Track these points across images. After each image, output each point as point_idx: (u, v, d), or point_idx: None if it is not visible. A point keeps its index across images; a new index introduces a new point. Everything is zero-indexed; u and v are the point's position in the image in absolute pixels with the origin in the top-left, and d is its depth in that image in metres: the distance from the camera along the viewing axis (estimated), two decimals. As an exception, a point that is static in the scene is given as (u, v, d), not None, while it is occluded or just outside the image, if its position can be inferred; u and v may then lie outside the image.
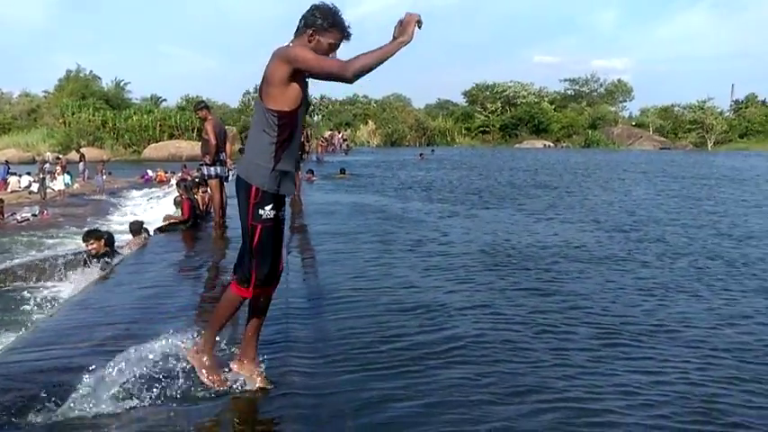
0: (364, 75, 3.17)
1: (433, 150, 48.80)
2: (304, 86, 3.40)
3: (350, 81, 3.22)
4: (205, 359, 3.73)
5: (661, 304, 5.91)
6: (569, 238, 9.69)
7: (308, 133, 40.50)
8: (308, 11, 3.41)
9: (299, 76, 3.34)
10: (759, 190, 18.65)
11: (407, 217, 12.05)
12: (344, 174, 22.09)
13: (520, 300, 5.97)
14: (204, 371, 3.72)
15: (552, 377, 4.08)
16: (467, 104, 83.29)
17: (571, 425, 3.43)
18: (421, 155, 38.59)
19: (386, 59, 3.14)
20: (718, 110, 73.53)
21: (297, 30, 3.44)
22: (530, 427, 3.41)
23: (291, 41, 3.43)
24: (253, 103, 69.16)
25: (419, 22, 3.13)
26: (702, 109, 71.60)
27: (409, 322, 5.18)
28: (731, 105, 78.26)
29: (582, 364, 4.31)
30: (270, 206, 3.45)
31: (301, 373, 4.07)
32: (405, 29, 3.11)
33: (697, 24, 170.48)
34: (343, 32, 3.44)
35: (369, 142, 68.42)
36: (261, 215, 3.44)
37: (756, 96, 78.00)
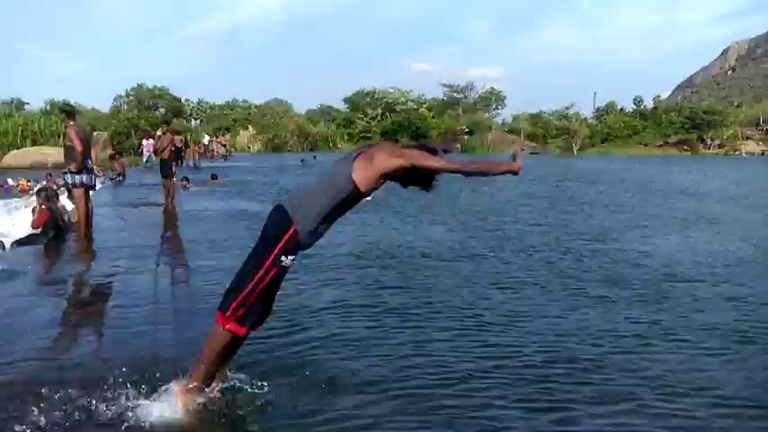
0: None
1: (315, 156, 48.82)
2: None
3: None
4: (195, 399, 3.59)
5: (514, 296, 6.40)
6: (437, 237, 10.16)
7: (185, 139, 39.68)
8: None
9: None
10: (615, 191, 20.25)
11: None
12: (216, 179, 21.70)
13: (385, 297, 6.26)
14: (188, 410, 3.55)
15: (408, 366, 4.37)
16: (348, 110, 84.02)
17: (421, 410, 3.72)
18: (302, 161, 38.58)
19: (487, 174, 3.51)
20: (582, 116, 78.89)
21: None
22: (375, 412, 3.66)
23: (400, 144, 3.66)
24: (125, 107, 66.42)
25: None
26: (567, 116, 76.47)
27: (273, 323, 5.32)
28: (594, 112, 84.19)
29: (439, 354, 4.63)
30: (293, 257, 3.38)
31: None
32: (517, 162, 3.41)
33: (563, 36, 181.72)
34: None
35: (249, 148, 67.36)
36: (281, 261, 3.34)
37: (616, 104, 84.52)
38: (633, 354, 4.72)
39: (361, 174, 3.35)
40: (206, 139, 46.57)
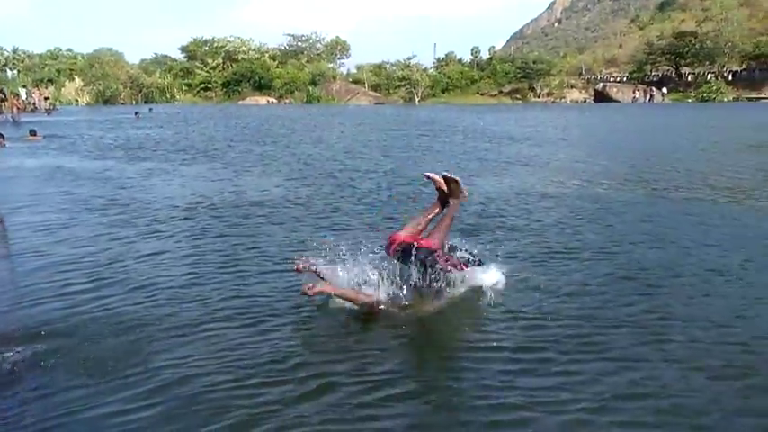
0: None
1: (150, 109, 46.40)
2: None
3: None
4: None
5: (334, 232, 6.61)
6: (270, 189, 10.17)
7: (1, 91, 35.93)
8: None
9: None
10: (449, 138, 21.18)
11: (105, 177, 11.53)
12: (35, 135, 20.00)
13: (208, 245, 6.24)
14: None
15: (223, 308, 4.45)
16: (186, 60, 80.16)
17: (229, 347, 3.83)
18: (137, 113, 36.57)
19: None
20: (423, 67, 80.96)
21: None
22: (183, 353, 3.73)
23: None
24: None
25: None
26: (409, 66, 78.17)
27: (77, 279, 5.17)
28: (434, 63, 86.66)
29: (258, 294, 4.74)
30: None
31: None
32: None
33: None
34: None
35: (77, 101, 62.49)
36: None
37: (454, 55, 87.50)
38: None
39: None
40: (23, 91, 42.50)
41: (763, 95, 61.37)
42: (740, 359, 3.73)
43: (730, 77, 68.44)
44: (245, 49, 78.54)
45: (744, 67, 69.66)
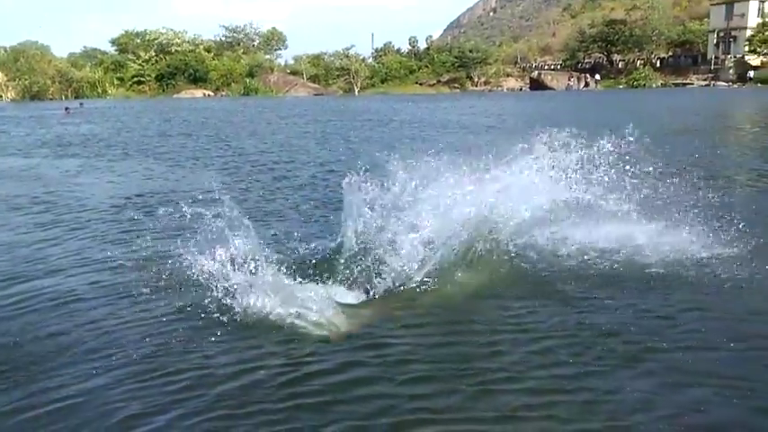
0: None
1: (81, 104, 44.98)
2: None
3: None
4: None
5: (265, 223, 6.62)
6: (203, 183, 10.06)
7: None
8: None
9: None
10: (383, 128, 21.30)
11: (30, 176, 11.20)
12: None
13: (134, 243, 6.15)
14: None
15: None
16: (117, 53, 77.75)
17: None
18: (66, 109, 35.41)
19: None
20: (361, 57, 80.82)
21: None
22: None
23: None
24: None
25: None
26: (347, 57, 77.93)
27: None
28: (372, 53, 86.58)
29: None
30: None
31: None
32: None
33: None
34: None
35: (1, 97, 59.95)
36: None
37: (393, 45, 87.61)
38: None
39: None
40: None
41: (688, 81, 63.84)
42: None
43: (658, 64, 70.92)
44: (178, 41, 76.61)
45: (670, 53, 72.34)
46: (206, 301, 4.24)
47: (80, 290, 4.77)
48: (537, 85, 69.61)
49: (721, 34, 64.89)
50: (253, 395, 3.20)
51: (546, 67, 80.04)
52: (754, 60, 60.19)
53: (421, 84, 77.41)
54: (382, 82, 78.06)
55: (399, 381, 3.31)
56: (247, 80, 73.31)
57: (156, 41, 75.54)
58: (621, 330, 3.85)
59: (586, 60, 77.95)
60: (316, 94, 71.02)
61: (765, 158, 11.43)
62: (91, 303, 4.49)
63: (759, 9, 62.30)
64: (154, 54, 74.63)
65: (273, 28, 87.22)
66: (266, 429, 2.89)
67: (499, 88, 75.33)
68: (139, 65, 73.56)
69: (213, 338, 3.85)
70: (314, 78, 78.63)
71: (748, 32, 60.96)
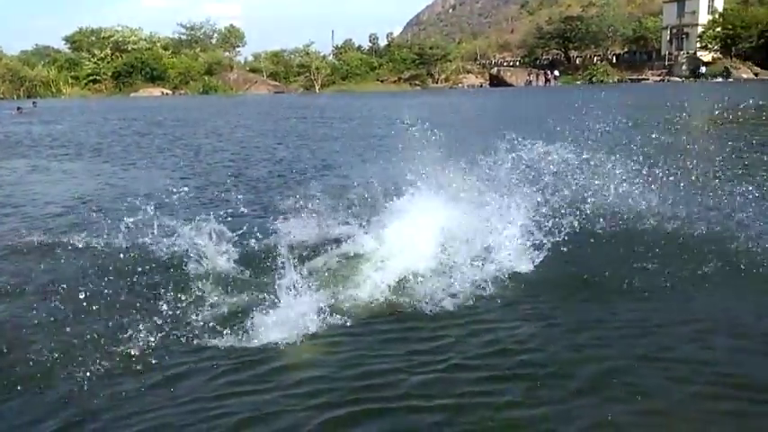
0: None
1: (34, 103, 43.92)
2: None
3: None
4: None
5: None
6: (158, 181, 9.94)
7: None
8: None
9: None
10: (342, 125, 21.27)
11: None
12: None
13: (86, 243, 6.05)
14: None
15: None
16: (71, 51, 76.04)
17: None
18: (19, 108, 34.75)
19: None
20: (322, 54, 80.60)
21: None
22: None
23: None
24: None
25: None
26: (308, 54, 77.61)
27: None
28: (333, 50, 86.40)
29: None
30: None
31: None
32: None
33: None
34: None
35: (-50, 97, 58.17)
36: None
37: (353, 42, 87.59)
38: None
39: None
40: None
41: (643, 76, 65.22)
42: None
43: (614, 60, 72.28)
44: (134, 38, 75.34)
45: (626, 50, 73.82)
46: (154, 302, 4.18)
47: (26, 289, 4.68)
48: (497, 81, 70.31)
49: (674, 31, 66.54)
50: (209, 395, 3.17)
51: (505, 64, 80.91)
52: (705, 56, 61.89)
53: (382, 81, 77.54)
54: (343, 79, 78.00)
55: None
56: (206, 78, 72.47)
57: (111, 39, 74.13)
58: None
59: (545, 57, 79.01)
60: (276, 92, 70.58)
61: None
62: (35, 308, 4.40)
63: (709, 6, 64.03)
64: (109, 52, 73.22)
65: (231, 25, 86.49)
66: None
67: (460, 85, 75.85)
68: (95, 63, 72.09)
69: (158, 344, 3.80)
70: (274, 76, 78.13)
71: (699, 29, 62.65)
